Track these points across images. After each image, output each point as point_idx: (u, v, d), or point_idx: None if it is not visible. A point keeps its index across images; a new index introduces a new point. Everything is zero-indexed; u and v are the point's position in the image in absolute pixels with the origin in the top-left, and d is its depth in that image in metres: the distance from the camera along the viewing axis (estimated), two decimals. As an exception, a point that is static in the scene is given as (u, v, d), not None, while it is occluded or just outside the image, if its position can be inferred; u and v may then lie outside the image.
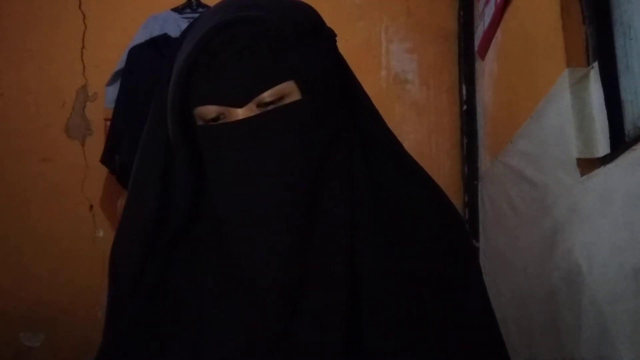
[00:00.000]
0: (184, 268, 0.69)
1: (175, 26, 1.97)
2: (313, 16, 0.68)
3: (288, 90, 0.62)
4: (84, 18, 2.20)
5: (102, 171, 2.06)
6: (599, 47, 1.07)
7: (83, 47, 2.19)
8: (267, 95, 0.62)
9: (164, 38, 1.91)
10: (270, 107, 0.62)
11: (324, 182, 0.64)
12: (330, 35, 0.68)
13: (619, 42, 1.04)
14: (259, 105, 0.62)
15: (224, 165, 0.64)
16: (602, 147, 1.04)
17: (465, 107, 2.09)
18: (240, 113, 0.62)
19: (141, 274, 0.68)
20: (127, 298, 0.68)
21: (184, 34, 0.68)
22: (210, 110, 0.63)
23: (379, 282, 0.65)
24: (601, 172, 0.99)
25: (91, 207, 2.11)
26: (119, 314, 0.69)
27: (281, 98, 0.62)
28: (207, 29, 0.61)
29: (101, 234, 2.08)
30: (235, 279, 0.65)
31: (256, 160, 0.62)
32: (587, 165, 1.06)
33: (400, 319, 0.64)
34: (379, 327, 0.64)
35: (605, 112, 1.03)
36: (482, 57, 1.88)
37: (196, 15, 2.02)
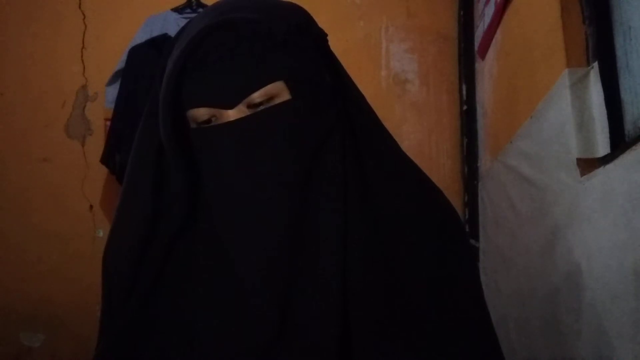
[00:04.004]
0: (178, 272, 0.69)
1: (175, 26, 1.97)
2: (302, 16, 0.68)
3: (277, 91, 0.63)
4: (84, 18, 2.20)
5: (102, 171, 2.06)
6: (599, 47, 1.07)
7: (83, 47, 2.19)
8: (256, 96, 0.62)
9: (164, 38, 1.91)
10: (260, 107, 0.63)
11: (316, 182, 0.64)
12: (321, 35, 0.68)
13: (619, 42, 1.04)
14: (249, 106, 0.63)
15: (216, 167, 0.64)
16: (602, 147, 1.04)
17: (465, 107, 2.09)
18: (231, 114, 0.63)
19: (135, 278, 0.68)
20: (121, 303, 0.68)
21: (176, 37, 0.68)
22: (202, 113, 0.63)
23: (370, 284, 0.65)
24: (601, 172, 0.99)
25: (91, 207, 2.12)
26: (112, 319, 0.69)
27: (271, 98, 0.63)
28: (195, 33, 0.62)
29: (101, 233, 2.08)
30: (228, 282, 0.65)
31: (247, 161, 0.63)
32: (587, 165, 1.06)
33: (390, 321, 0.64)
34: (368, 329, 0.64)
35: (605, 112, 1.03)
36: (482, 57, 1.88)
37: (196, 14, 2.02)
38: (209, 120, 0.64)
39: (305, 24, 0.67)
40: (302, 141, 0.64)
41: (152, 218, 0.68)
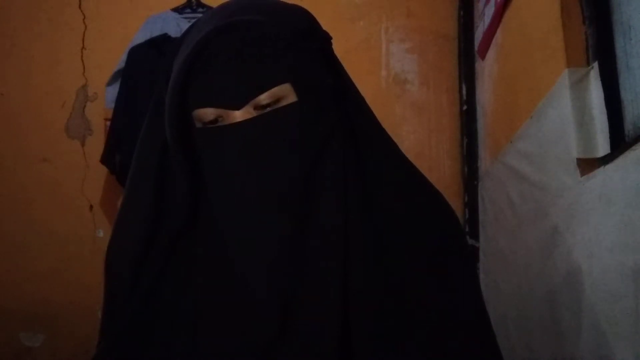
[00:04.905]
0: (180, 272, 0.69)
1: (175, 26, 1.97)
2: (308, 19, 0.69)
3: (284, 93, 0.63)
4: (84, 18, 2.20)
5: (102, 171, 2.06)
6: (599, 47, 1.07)
7: (83, 47, 2.19)
8: (263, 98, 0.63)
9: (164, 38, 1.92)
10: (267, 109, 0.63)
11: (317, 183, 0.64)
12: (325, 38, 0.69)
13: (619, 42, 1.04)
14: (256, 108, 0.63)
15: (221, 167, 0.65)
16: (602, 147, 1.04)
17: (465, 107, 2.09)
18: (238, 115, 0.63)
19: (137, 278, 0.68)
20: (122, 303, 0.68)
21: (182, 38, 0.69)
22: (208, 113, 0.64)
23: (370, 284, 0.65)
24: (601, 172, 0.99)
25: (91, 207, 2.12)
26: (114, 319, 0.70)
27: (277, 100, 0.63)
28: (203, 34, 0.62)
29: (101, 234, 2.08)
30: (230, 283, 0.65)
31: (253, 162, 0.63)
32: (587, 165, 1.06)
33: (390, 322, 0.65)
34: (368, 329, 0.64)
35: (605, 112, 1.03)
36: (482, 57, 1.88)
37: (196, 15, 2.02)
38: (215, 121, 0.64)
39: (311, 27, 0.68)
40: (306, 143, 0.64)
41: (154, 219, 0.68)
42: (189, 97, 0.64)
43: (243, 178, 0.63)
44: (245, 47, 0.62)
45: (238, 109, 0.63)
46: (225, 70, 0.62)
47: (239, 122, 0.63)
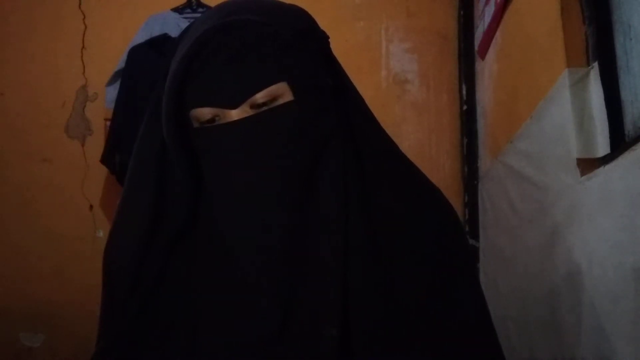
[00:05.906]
0: (180, 272, 0.69)
1: (175, 26, 1.97)
2: (305, 19, 0.69)
3: (280, 92, 0.63)
4: (84, 18, 2.20)
5: (102, 171, 2.06)
6: (599, 47, 1.07)
7: (83, 47, 2.19)
8: (259, 97, 0.63)
9: (164, 38, 1.92)
10: (264, 108, 0.63)
11: (317, 182, 0.65)
12: (323, 37, 0.69)
13: (619, 42, 1.04)
14: (252, 107, 0.63)
15: (219, 166, 0.65)
16: (602, 147, 1.04)
17: (465, 107, 2.09)
18: (234, 114, 0.63)
19: (136, 278, 0.68)
20: (122, 302, 0.68)
21: (180, 38, 0.69)
22: (205, 112, 0.64)
23: (370, 284, 0.65)
24: (601, 172, 0.99)
25: (91, 207, 2.12)
26: (113, 318, 0.69)
27: (274, 99, 0.63)
28: (200, 34, 0.62)
29: (101, 234, 2.08)
30: (230, 281, 0.65)
31: (250, 161, 0.63)
32: (587, 165, 1.06)
33: (389, 321, 0.65)
34: (368, 329, 0.64)
35: (605, 112, 1.03)
36: (482, 57, 1.88)
37: (196, 15, 2.02)
38: (212, 120, 0.64)
39: (309, 27, 0.68)
40: (304, 142, 0.64)
41: (153, 218, 0.68)
42: (186, 97, 0.64)
43: (240, 177, 0.63)
44: (242, 46, 0.62)
45: (234, 108, 0.63)
46: (222, 70, 0.62)
47: (235, 120, 0.63)
